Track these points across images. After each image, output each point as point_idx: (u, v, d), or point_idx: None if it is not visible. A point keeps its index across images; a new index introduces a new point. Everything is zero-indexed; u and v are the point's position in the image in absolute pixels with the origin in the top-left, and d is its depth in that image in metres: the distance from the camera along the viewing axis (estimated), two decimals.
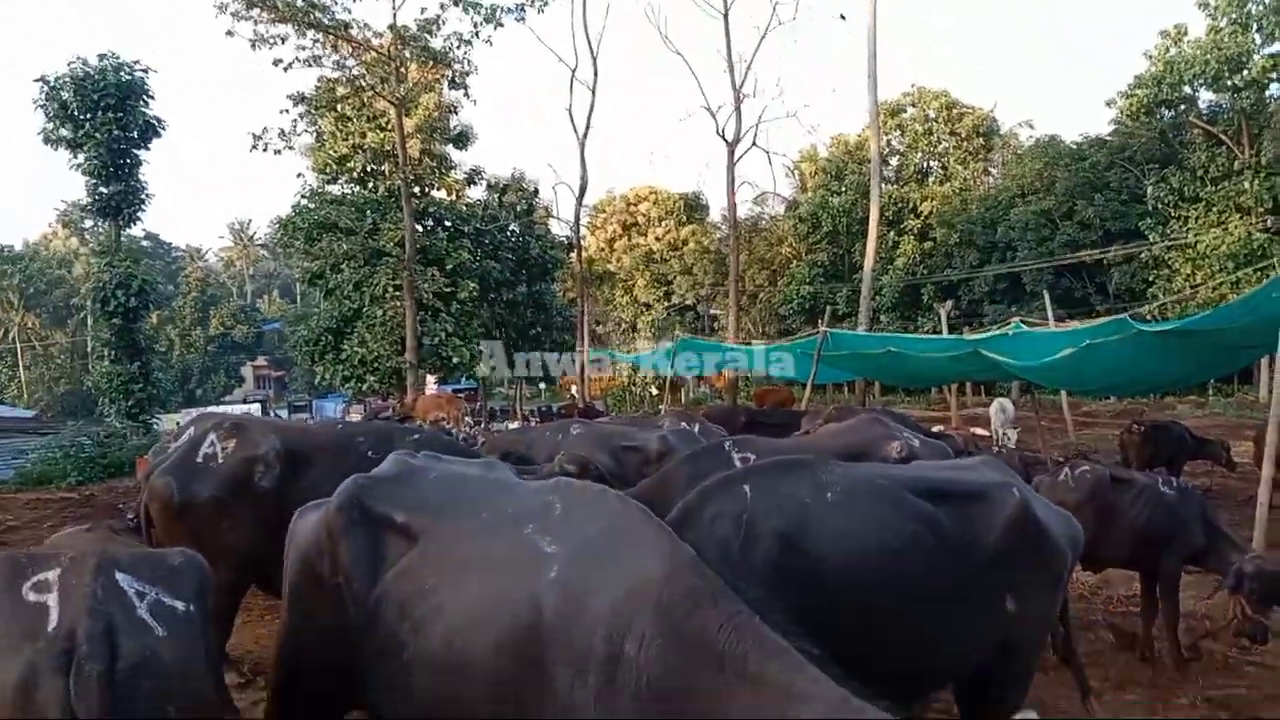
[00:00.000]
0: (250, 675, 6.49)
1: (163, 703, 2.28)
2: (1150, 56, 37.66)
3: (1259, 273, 26.11)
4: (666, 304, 51.43)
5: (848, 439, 5.63)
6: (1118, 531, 6.43)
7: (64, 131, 21.78)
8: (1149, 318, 19.83)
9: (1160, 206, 37.28)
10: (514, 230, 31.88)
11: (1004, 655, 3.72)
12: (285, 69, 22.10)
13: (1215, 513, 6.70)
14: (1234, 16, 34.89)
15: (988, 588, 3.58)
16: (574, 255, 33.71)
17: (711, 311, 50.55)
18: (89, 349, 43.38)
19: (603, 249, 53.81)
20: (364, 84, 23.92)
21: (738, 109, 27.43)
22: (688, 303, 51.40)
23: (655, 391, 31.04)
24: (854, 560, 3.27)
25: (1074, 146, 43.13)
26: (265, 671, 5.87)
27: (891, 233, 43.94)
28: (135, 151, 22.44)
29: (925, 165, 47.93)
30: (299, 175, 29.29)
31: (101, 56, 21.91)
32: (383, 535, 2.89)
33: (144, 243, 54.22)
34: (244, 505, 5.14)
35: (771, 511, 3.32)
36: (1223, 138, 37.08)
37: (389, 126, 26.19)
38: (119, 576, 2.43)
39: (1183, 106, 38.86)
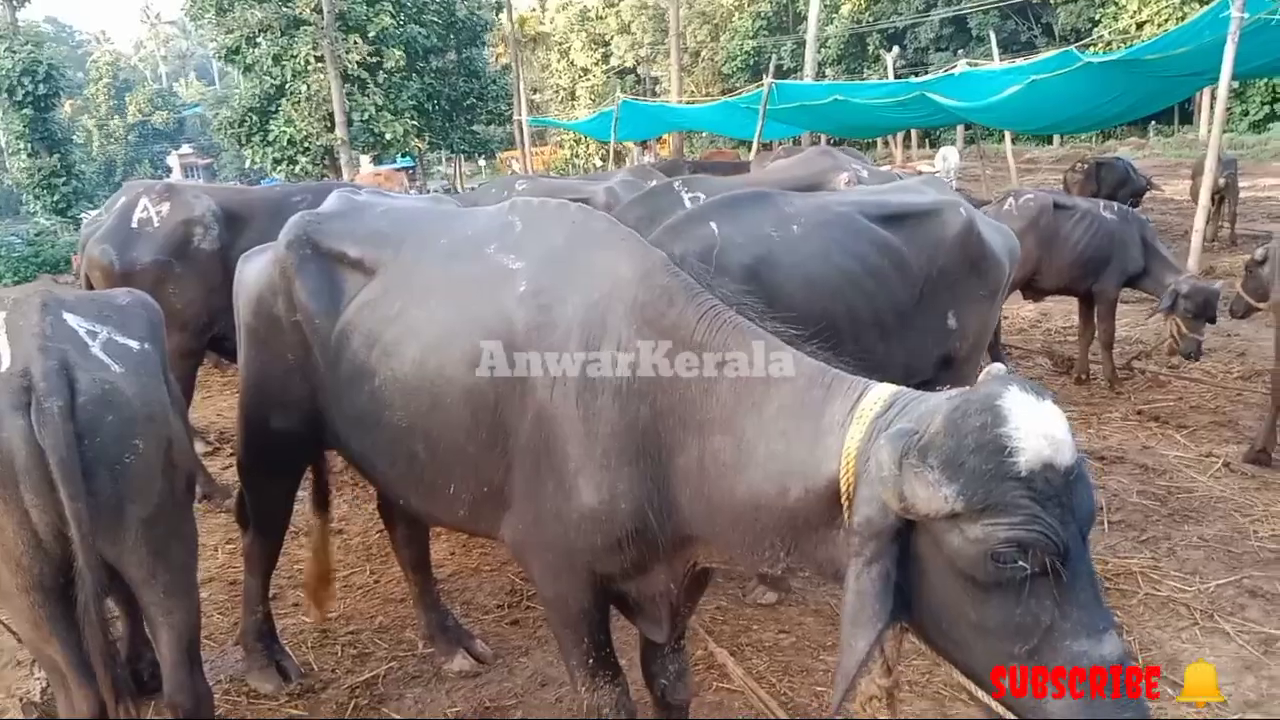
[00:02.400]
0: (217, 444, 6.61)
1: (128, 438, 2.28)
2: None
3: (1205, 5, 25.59)
4: (605, 67, 49.51)
5: (796, 173, 5.57)
6: (1060, 255, 6.57)
7: None
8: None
9: None
10: None
11: (945, 370, 3.83)
12: None
13: (1154, 235, 6.85)
14: None
15: (935, 304, 3.66)
16: (504, 16, 32.02)
17: (653, 74, 48.83)
18: (2, 144, 41.18)
19: (534, 8, 51.10)
20: None
21: None
22: (628, 65, 49.50)
23: (600, 162, 30.38)
24: (820, 288, 3.31)
25: None
26: (232, 439, 5.98)
27: None
28: None
29: None
30: None
31: None
32: (338, 270, 2.84)
33: (44, 26, 50.31)
34: (187, 268, 5.04)
35: (740, 245, 3.32)
36: None
37: None
38: (67, 316, 2.37)
39: None
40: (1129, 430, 6.04)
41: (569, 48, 50.40)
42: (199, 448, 6.00)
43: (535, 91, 49.36)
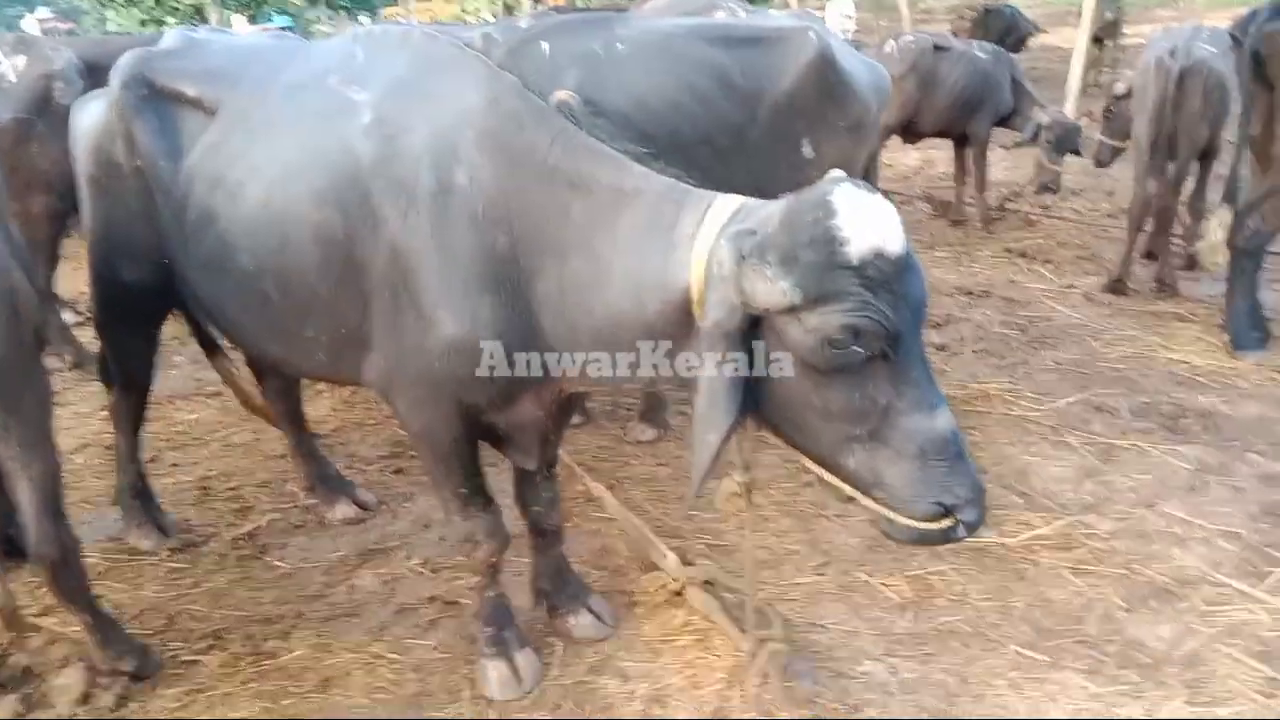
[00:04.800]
0: (86, 315, 6.38)
1: None
2: None
3: None
4: None
5: (671, 12, 5.46)
6: (938, 96, 6.65)
7: None
8: None
9: None
10: None
11: None
12: None
13: (1023, 75, 6.98)
14: None
15: (784, 130, 3.66)
16: None
17: None
18: None
19: None
20: None
21: None
22: None
23: (492, 18, 29.12)
24: (644, 105, 3.28)
25: None
26: None
27: None
28: None
29: None
30: None
31: None
32: (177, 110, 2.71)
33: None
34: (49, 125, 4.75)
35: (565, 64, 3.27)
36: None
37: None
38: None
39: None
40: (998, 266, 6.29)
41: None
42: (69, 317, 5.80)
43: None
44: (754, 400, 1.93)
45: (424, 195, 2.24)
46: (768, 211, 1.87)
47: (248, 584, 3.23)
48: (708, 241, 1.92)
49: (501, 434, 2.59)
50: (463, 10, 32.02)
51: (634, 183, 2.13)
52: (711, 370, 1.88)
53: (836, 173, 1.90)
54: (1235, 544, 3.21)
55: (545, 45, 3.33)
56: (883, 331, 1.74)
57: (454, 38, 2.56)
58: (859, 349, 1.75)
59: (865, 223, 1.72)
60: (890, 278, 1.73)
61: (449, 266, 2.24)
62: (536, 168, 2.19)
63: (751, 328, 1.85)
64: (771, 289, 1.75)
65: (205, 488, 3.89)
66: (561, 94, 2.48)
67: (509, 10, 23.06)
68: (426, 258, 2.26)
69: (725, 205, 1.99)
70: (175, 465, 4.08)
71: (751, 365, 1.89)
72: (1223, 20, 13.35)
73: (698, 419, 1.91)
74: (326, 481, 3.71)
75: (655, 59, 3.44)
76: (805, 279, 1.73)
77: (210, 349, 3.47)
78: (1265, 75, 4.38)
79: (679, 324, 2.01)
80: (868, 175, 5.12)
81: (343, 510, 3.64)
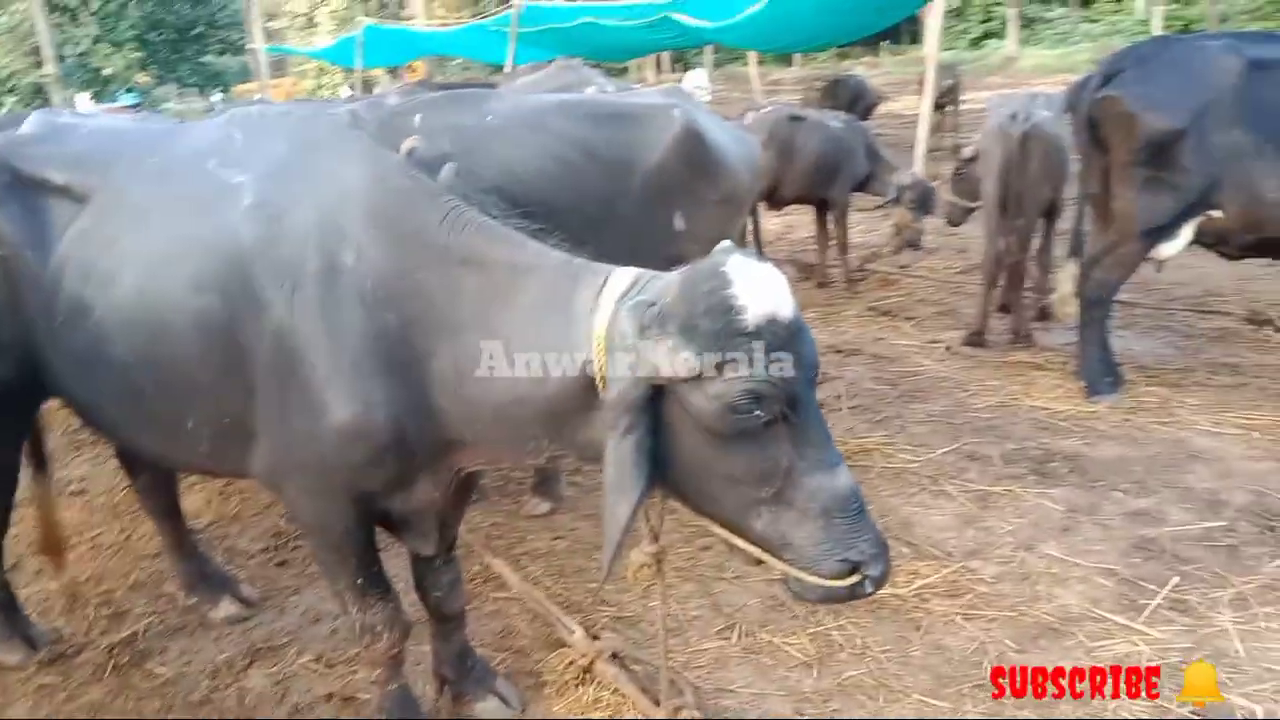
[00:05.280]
0: None
1: None
2: None
3: None
4: None
5: (539, 89, 5.56)
6: (797, 164, 6.93)
7: None
8: None
9: None
10: None
11: None
12: None
13: (877, 142, 7.36)
14: None
15: (656, 204, 3.73)
16: None
17: None
18: None
19: None
20: None
21: None
22: None
23: (349, 92, 28.90)
24: (515, 179, 3.31)
25: None
26: None
27: None
28: None
29: None
30: None
31: None
32: (43, 198, 2.59)
33: None
34: None
35: (436, 136, 3.29)
36: None
37: None
38: None
39: None
40: (864, 325, 6.55)
41: None
42: None
43: (272, 18, 46.12)
44: (661, 470, 1.95)
45: (310, 276, 2.20)
46: (664, 283, 1.93)
47: (127, 695, 3.05)
48: (607, 314, 1.95)
49: (397, 519, 2.53)
50: (318, 87, 31.75)
51: (529, 258, 2.15)
52: (617, 443, 1.90)
53: (726, 243, 1.97)
54: (1111, 580, 3.38)
55: (417, 119, 3.35)
56: (782, 394, 1.81)
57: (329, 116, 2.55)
58: (760, 413, 1.81)
59: (759, 290, 1.79)
60: (785, 341, 1.81)
61: (338, 349, 2.20)
62: (427, 246, 2.18)
63: (654, 398, 1.88)
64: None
65: (74, 594, 3.64)
66: (409, 142, 2.49)
67: (367, 87, 22.99)
68: (314, 340, 2.21)
69: (622, 278, 2.03)
70: (39, 572, 3.81)
71: (657, 435, 1.91)
72: (1047, 85, 14.38)
73: (607, 492, 1.92)
74: (207, 579, 3.54)
75: (526, 133, 3.49)
76: (706, 347, 1.79)
77: (39, 466, 3.30)
78: (1099, 138, 4.74)
79: (581, 398, 2.03)
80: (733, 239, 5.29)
81: (226, 608, 3.46)
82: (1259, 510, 3.82)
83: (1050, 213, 5.87)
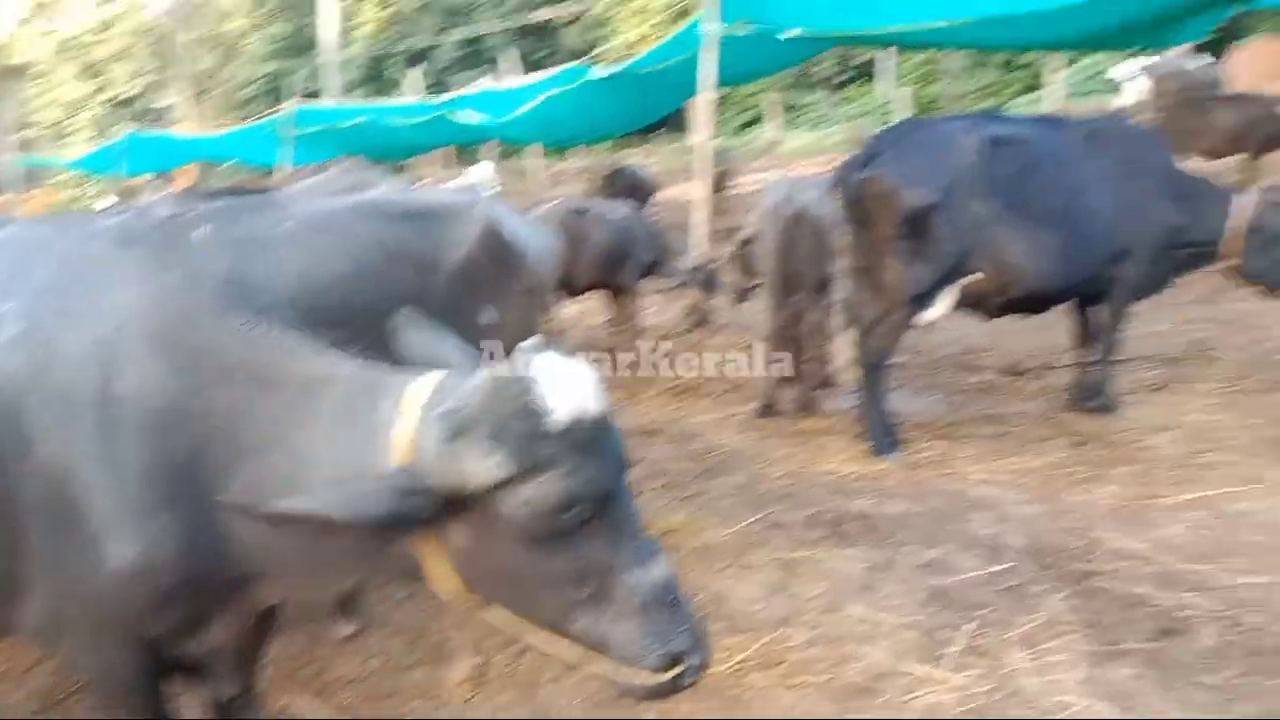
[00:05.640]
0: None
1: None
2: None
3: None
4: (104, 97, 44.53)
5: (323, 191, 5.45)
6: (587, 254, 7.09)
7: None
8: None
9: None
10: None
11: None
12: None
13: (660, 230, 7.65)
14: None
15: (464, 300, 3.75)
16: None
17: (161, 103, 44.80)
18: None
19: (8, 38, 44.62)
20: None
21: None
22: (132, 93, 44.96)
23: (110, 203, 27.33)
24: (316, 286, 3.23)
25: None
26: None
27: (352, 1, 41.73)
28: None
29: None
30: None
31: None
32: None
33: None
34: None
35: (226, 245, 3.16)
36: None
37: None
38: None
39: None
40: (663, 404, 6.70)
41: (55, 80, 44.63)
42: None
43: (25, 127, 43.23)
44: (478, 578, 1.90)
45: (85, 407, 2.03)
46: (469, 387, 1.88)
47: None
48: (410, 424, 1.90)
49: (191, 662, 2.34)
50: (77, 198, 29.85)
51: (324, 371, 2.06)
52: (428, 556, 1.84)
53: (532, 341, 1.97)
54: (914, 632, 3.54)
55: (204, 229, 3.19)
56: (594, 493, 1.80)
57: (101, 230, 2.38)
58: (573, 514, 1.80)
59: (567, 389, 1.79)
60: (595, 438, 1.81)
61: (119, 483, 2.03)
62: (215, 366, 2.06)
63: (465, 507, 1.83)
64: (481, 466, 1.76)
65: None
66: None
67: (130, 196, 21.82)
68: (92, 476, 2.03)
69: (424, 384, 1.97)
70: None
71: (469, 545, 1.87)
72: (810, 165, 15.39)
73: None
74: None
75: (324, 237, 3.39)
76: (515, 451, 1.76)
77: None
78: (865, 215, 5.11)
79: None
80: (538, 331, 5.33)
81: None
82: (1035, 550, 4.13)
83: (825, 286, 6.23)
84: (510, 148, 22.90)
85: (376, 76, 42.04)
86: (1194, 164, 11.18)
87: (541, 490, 1.76)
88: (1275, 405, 5.65)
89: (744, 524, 4.59)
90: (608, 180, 14.01)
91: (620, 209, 7.63)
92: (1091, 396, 5.76)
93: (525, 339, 4.23)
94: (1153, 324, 7.27)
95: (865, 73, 37.69)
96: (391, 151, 21.16)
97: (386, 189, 5.31)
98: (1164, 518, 4.40)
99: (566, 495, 1.77)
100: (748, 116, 36.99)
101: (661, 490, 5.08)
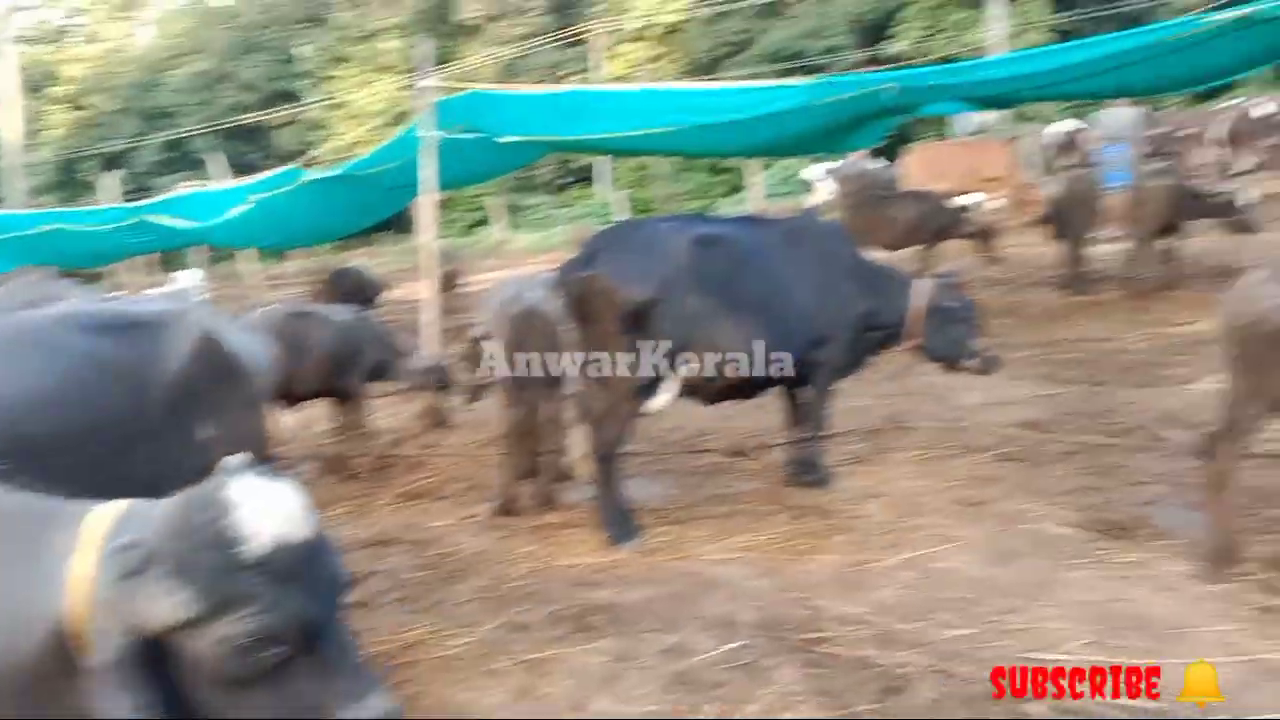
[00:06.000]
0: None
1: None
2: None
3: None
4: None
5: (9, 304, 4.92)
6: (308, 360, 6.79)
7: None
8: None
9: (314, 67, 38.80)
10: None
11: None
12: None
13: (387, 331, 7.49)
14: None
15: (179, 414, 3.48)
16: None
17: None
18: None
19: None
20: None
21: None
22: None
23: None
24: (14, 407, 2.90)
25: (226, 6, 42.40)
26: None
27: (38, 102, 38.66)
28: None
29: (63, 25, 42.72)
30: None
31: None
32: None
33: None
34: None
35: None
36: None
37: None
38: None
39: None
40: (398, 512, 6.46)
41: None
42: None
43: None
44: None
45: None
46: (156, 515, 1.72)
47: None
48: (87, 561, 1.70)
49: None
50: None
51: None
52: (112, 711, 1.65)
53: (231, 461, 1.83)
54: None
55: None
56: (298, 628, 1.67)
57: None
58: (274, 651, 1.65)
59: (266, 513, 1.66)
60: (299, 567, 1.68)
61: None
62: None
63: (154, 650, 1.66)
64: (167, 605, 1.60)
65: None
66: None
67: None
68: None
69: (104, 515, 1.78)
70: None
71: (162, 689, 1.69)
72: (537, 264, 15.75)
73: None
74: None
75: (25, 353, 3.03)
76: (205, 587, 1.60)
77: None
78: (587, 312, 5.24)
79: (64, 662, 1.73)
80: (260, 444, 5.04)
81: None
82: (766, 624, 4.29)
83: (557, 381, 6.30)
84: (222, 252, 21.84)
85: (69, 181, 38.99)
86: (877, 255, 12.45)
87: (235, 629, 1.61)
88: (963, 468, 6.27)
89: (487, 629, 4.47)
90: (330, 282, 13.58)
91: (343, 311, 7.41)
92: (807, 471, 6.13)
93: (255, 449, 4.00)
94: (854, 400, 7.91)
95: (584, 177, 39.42)
96: (83, 259, 19.54)
97: (79, 299, 4.90)
98: (879, 580, 4.73)
99: (264, 633, 1.62)
100: (476, 216, 37.45)
101: (398, 604, 4.86)
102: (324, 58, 38.77)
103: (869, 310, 5.92)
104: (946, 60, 29.93)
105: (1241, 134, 17.22)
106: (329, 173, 11.92)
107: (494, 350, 6.03)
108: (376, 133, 33.12)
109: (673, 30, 39.32)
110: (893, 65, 31.66)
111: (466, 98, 9.73)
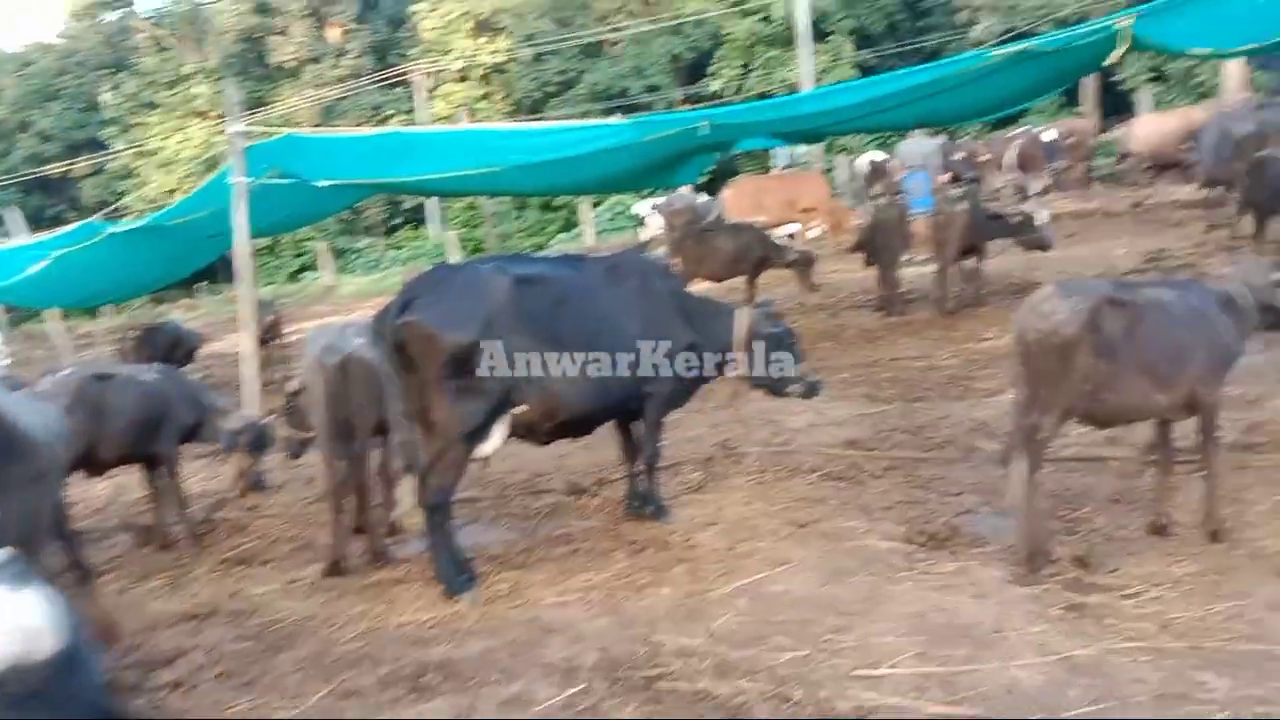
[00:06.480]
0: None
1: None
2: None
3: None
4: None
5: None
6: (113, 426, 6.35)
7: None
8: None
9: (120, 114, 36.99)
10: None
11: None
12: None
13: (201, 389, 7.10)
14: None
15: None
16: None
17: None
18: None
19: None
20: None
21: None
22: None
23: None
24: None
25: (18, 53, 39.95)
26: None
27: None
28: None
29: None
30: None
31: None
32: None
33: None
34: None
35: None
36: (170, 42, 38.16)
37: None
38: None
39: (126, 9, 38.89)
40: (219, 581, 6.08)
41: None
42: None
43: None
44: None
45: None
46: None
47: None
48: None
49: None
50: None
51: None
52: None
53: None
54: None
55: None
56: None
57: None
58: None
59: (8, 627, 1.50)
60: (42, 687, 1.53)
61: None
62: None
63: None
64: None
65: None
66: None
67: None
68: None
69: None
70: None
71: None
72: (369, 309, 15.36)
73: None
74: None
75: None
76: None
77: None
78: (408, 358, 5.11)
79: None
80: (56, 519, 4.71)
81: None
82: (606, 665, 4.25)
83: (381, 430, 6.12)
84: (23, 311, 20.34)
85: None
86: (703, 286, 12.74)
87: None
88: (793, 490, 6.43)
89: (314, 699, 4.25)
90: (143, 339, 12.81)
91: (151, 370, 6.96)
92: (645, 504, 6.16)
93: (35, 534, 3.71)
94: (689, 430, 8.05)
95: (414, 218, 38.84)
96: None
97: None
98: (716, 609, 4.77)
99: None
100: (303, 261, 36.29)
101: (217, 681, 4.56)
102: (131, 103, 36.97)
103: (693, 342, 6.01)
104: (762, 96, 31.33)
105: (1031, 159, 18.57)
106: (134, 224, 11.31)
107: (313, 403, 5.80)
108: (190, 180, 31.77)
109: (497, 70, 39.43)
110: (712, 102, 32.86)
111: (279, 142, 9.44)
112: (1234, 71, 20.85)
